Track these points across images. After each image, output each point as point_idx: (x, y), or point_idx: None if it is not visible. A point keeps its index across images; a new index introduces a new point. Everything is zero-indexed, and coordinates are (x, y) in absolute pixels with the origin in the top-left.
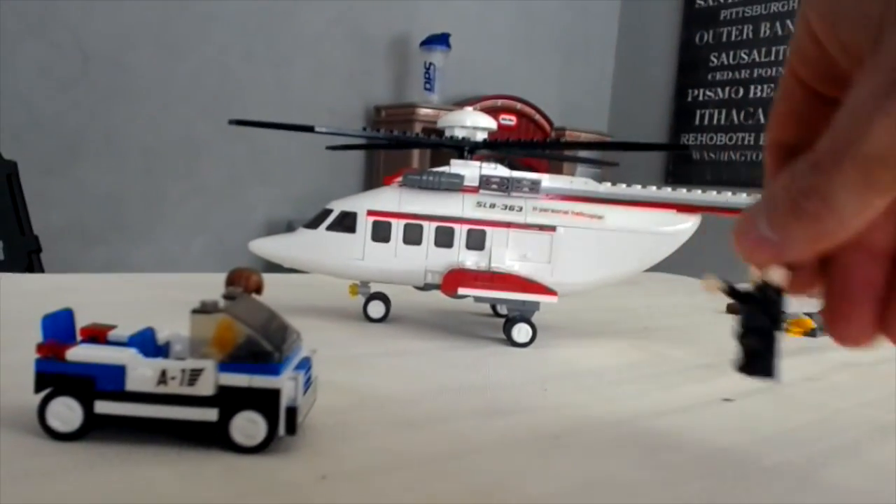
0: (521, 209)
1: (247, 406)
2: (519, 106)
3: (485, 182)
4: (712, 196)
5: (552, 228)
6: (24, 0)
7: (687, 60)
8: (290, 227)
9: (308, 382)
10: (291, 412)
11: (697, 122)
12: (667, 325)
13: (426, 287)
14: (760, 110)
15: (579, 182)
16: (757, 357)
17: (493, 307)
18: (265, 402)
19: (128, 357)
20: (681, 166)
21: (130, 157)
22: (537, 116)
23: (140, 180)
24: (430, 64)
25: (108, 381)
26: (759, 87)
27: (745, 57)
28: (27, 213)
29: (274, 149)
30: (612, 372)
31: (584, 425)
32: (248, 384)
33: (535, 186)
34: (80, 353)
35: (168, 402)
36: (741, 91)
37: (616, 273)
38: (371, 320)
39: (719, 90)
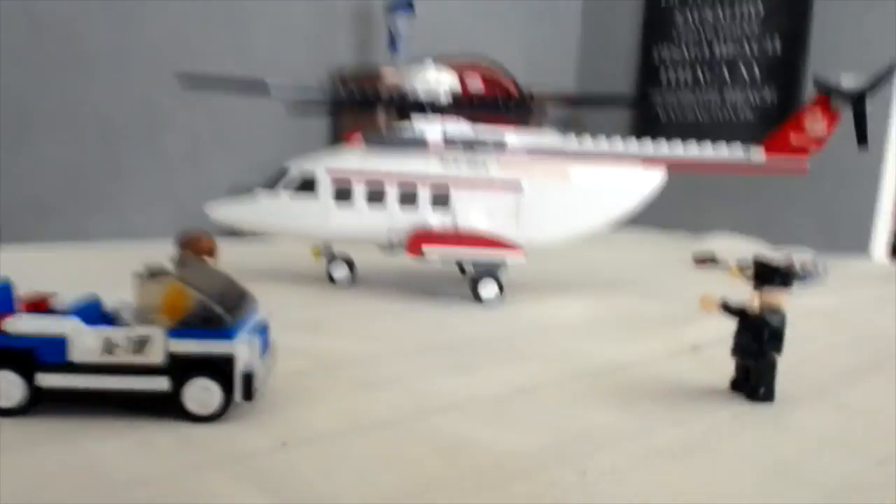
0: (486, 166)
1: (200, 373)
2: (483, 65)
3: (448, 140)
4: (677, 149)
5: (518, 185)
6: None
7: (653, 18)
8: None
9: (265, 347)
10: (248, 378)
11: (665, 81)
12: (634, 280)
13: (390, 247)
14: (725, 70)
15: (546, 138)
16: (754, 378)
17: (461, 266)
18: (219, 368)
19: (70, 326)
20: (647, 126)
21: (87, 128)
22: (502, 76)
23: (98, 151)
24: (395, 26)
25: (50, 353)
26: (726, 47)
27: (710, 15)
28: None
29: (236, 116)
30: (582, 326)
31: (554, 378)
32: (199, 350)
33: (499, 144)
34: (18, 324)
35: (115, 373)
36: (707, 51)
37: (583, 229)
38: (335, 283)
39: (685, 48)
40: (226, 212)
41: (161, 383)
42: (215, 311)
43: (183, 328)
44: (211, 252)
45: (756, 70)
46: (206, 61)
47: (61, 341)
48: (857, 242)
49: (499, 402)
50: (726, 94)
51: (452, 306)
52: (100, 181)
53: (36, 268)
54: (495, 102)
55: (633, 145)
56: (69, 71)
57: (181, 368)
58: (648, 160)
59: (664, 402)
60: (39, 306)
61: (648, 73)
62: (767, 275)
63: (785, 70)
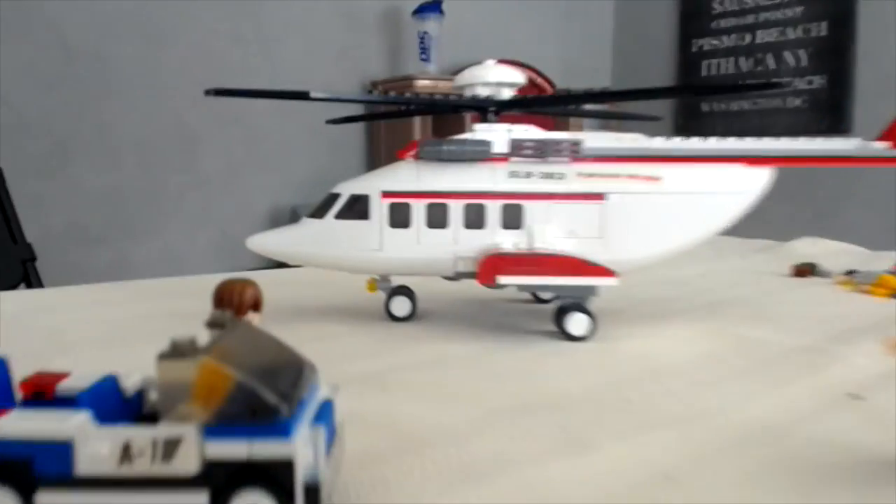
0: (562, 176)
1: (248, 484)
2: (544, 86)
3: (516, 147)
4: (785, 143)
5: (601, 196)
6: (2, 0)
7: (689, 9)
8: (294, 215)
9: (331, 436)
10: (312, 492)
11: (704, 72)
12: (734, 298)
13: (457, 276)
14: (770, 55)
15: (628, 139)
16: None
17: (535, 294)
18: (274, 477)
19: (76, 426)
20: (691, 120)
21: (124, 153)
22: (539, 79)
23: (136, 176)
24: (425, 32)
25: (51, 463)
26: (767, 32)
27: (749, 1)
28: (17, 220)
29: (270, 133)
30: (698, 368)
31: (698, 453)
32: (247, 455)
33: (576, 148)
34: (11, 425)
35: (136, 488)
36: (747, 37)
37: (681, 243)
38: (395, 319)
39: (724, 38)
40: (269, 244)
41: (197, 499)
42: (264, 397)
43: (222, 423)
44: (256, 305)
45: (803, 55)
46: (237, 78)
47: (65, 447)
48: None
49: (637, 494)
50: (772, 80)
51: (536, 345)
52: (140, 207)
53: (61, 316)
54: (566, 99)
55: (732, 142)
56: (103, 97)
57: (223, 479)
58: (753, 159)
59: (851, 486)
60: (45, 390)
61: (688, 65)
62: None
63: (833, 54)
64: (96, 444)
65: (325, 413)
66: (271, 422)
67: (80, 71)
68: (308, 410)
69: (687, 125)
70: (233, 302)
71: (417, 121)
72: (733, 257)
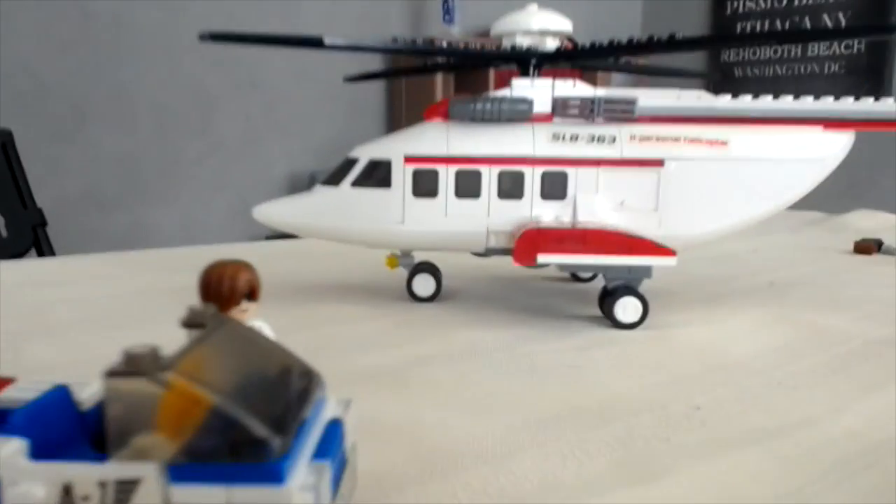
0: (614, 139)
1: None
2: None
3: (561, 106)
4: (867, 105)
5: (659, 162)
6: None
7: None
8: (312, 181)
9: (340, 468)
10: None
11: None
12: (796, 279)
13: (489, 252)
14: (807, 18)
15: (690, 97)
16: None
17: (574, 274)
18: None
19: (6, 457)
20: (722, 85)
21: (141, 117)
22: (566, 43)
23: (153, 140)
24: None
25: None
26: None
27: None
28: (28, 185)
29: (288, 97)
30: (773, 365)
31: (788, 478)
32: (225, 502)
33: (629, 107)
34: None
35: None
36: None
37: (748, 216)
38: (418, 300)
39: (761, 0)
40: (278, 214)
41: None
42: (249, 429)
43: (194, 461)
44: (252, 293)
45: (841, 17)
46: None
47: None
48: None
49: None
50: (809, 45)
51: (578, 334)
52: (157, 173)
53: (65, 286)
54: (622, 47)
55: (810, 103)
56: (121, 61)
57: None
58: (832, 121)
59: None
60: None
61: (722, 28)
62: None
63: (874, 16)
64: (28, 486)
65: (331, 439)
66: (259, 460)
67: (97, 34)
68: (310, 438)
69: (718, 91)
70: (222, 290)
71: (440, 82)
72: (782, 231)
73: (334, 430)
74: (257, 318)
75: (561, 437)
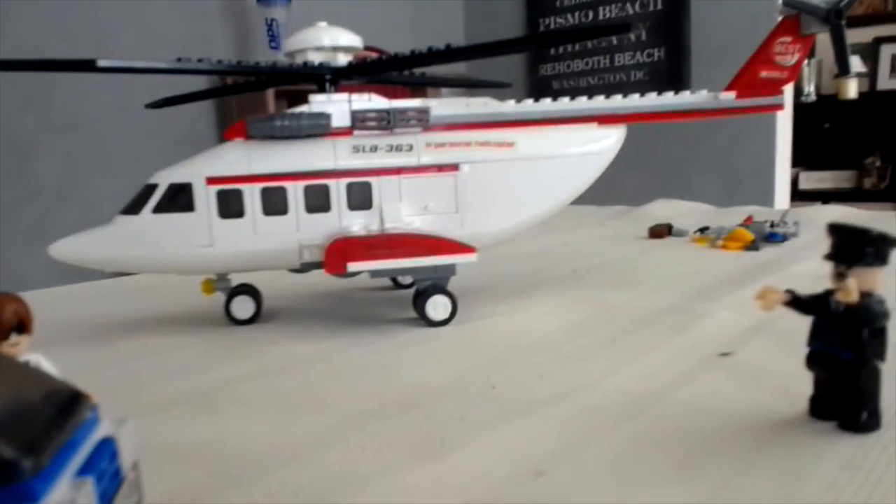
0: (411, 148)
1: None
2: (373, 55)
3: (359, 119)
4: (636, 100)
5: (454, 167)
6: None
7: None
8: None
9: (113, 484)
10: None
11: (553, 51)
12: (595, 265)
13: (305, 268)
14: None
15: (477, 104)
16: (850, 398)
17: (393, 278)
18: None
19: None
20: (541, 98)
21: None
22: (372, 55)
23: None
24: (272, 20)
25: None
26: (608, 9)
27: None
28: None
29: (110, 135)
30: (564, 340)
31: (564, 437)
32: None
33: (423, 117)
34: None
35: None
36: (591, 14)
37: (540, 209)
38: (237, 322)
39: (569, 16)
40: (77, 251)
41: None
42: None
43: None
44: (22, 327)
45: (642, 29)
46: (66, 78)
47: None
48: (760, 193)
49: (503, 494)
50: (616, 55)
51: (394, 336)
52: None
53: None
54: (411, 60)
55: (584, 102)
56: None
57: None
58: (606, 117)
59: (734, 452)
60: None
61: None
62: (854, 248)
63: (671, 27)
64: None
65: (100, 457)
66: (8, 482)
67: None
68: (75, 458)
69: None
70: None
71: (271, 103)
72: (592, 225)
73: (104, 447)
74: (33, 353)
75: (364, 430)
